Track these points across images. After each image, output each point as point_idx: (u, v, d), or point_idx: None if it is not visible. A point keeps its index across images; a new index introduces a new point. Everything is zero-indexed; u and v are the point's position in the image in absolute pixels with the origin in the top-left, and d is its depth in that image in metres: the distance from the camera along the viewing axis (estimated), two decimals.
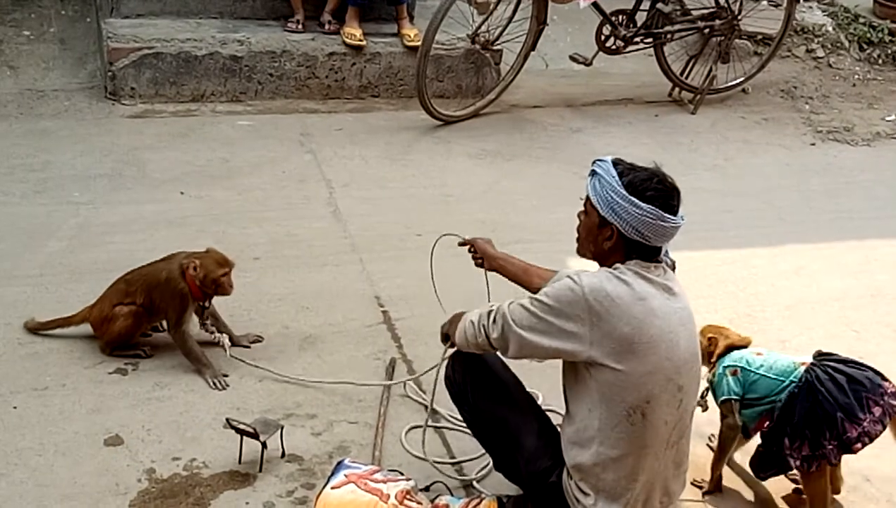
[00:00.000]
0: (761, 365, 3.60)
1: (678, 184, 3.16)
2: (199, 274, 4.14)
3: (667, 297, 3.13)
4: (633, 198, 3.07)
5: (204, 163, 6.08)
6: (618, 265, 3.14)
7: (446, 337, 3.57)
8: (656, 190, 3.10)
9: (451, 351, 3.57)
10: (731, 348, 3.71)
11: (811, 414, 3.43)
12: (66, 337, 4.30)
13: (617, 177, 3.11)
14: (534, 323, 3.13)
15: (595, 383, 3.11)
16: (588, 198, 3.20)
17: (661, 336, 3.08)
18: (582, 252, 3.30)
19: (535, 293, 3.23)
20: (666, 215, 3.08)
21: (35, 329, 4.32)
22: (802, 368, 3.53)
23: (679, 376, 3.13)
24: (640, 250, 3.14)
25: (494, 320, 3.23)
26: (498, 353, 3.32)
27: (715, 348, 3.72)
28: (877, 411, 3.40)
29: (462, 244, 3.91)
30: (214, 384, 4.12)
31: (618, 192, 3.09)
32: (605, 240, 3.17)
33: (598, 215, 3.15)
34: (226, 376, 4.17)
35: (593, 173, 3.19)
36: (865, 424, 3.39)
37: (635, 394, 3.08)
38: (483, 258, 3.84)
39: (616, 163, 3.17)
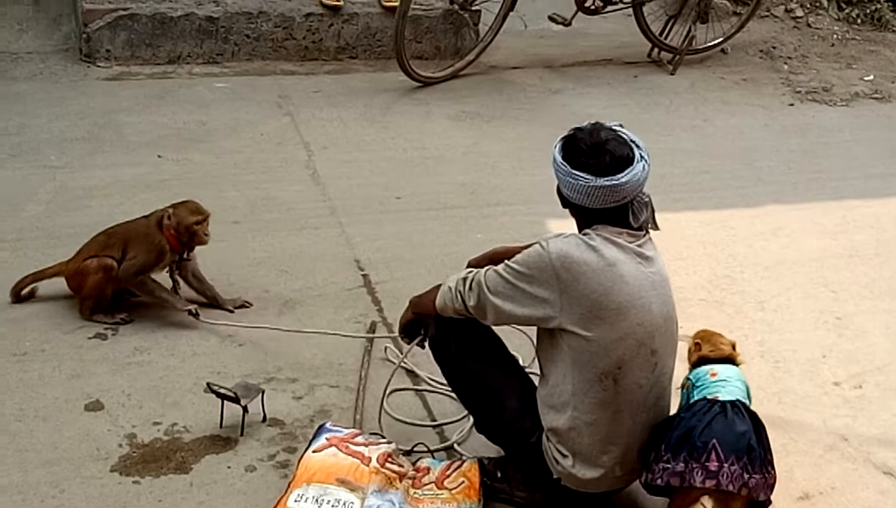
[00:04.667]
0: (702, 387, 3.31)
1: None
2: (172, 223, 4.17)
3: (638, 262, 3.13)
4: (566, 167, 3.11)
5: (181, 126, 6.04)
6: (587, 231, 3.16)
7: (403, 331, 3.62)
8: (585, 153, 3.09)
9: (411, 346, 3.67)
10: (702, 360, 3.44)
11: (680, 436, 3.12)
12: (45, 301, 4.28)
13: (560, 145, 3.15)
14: (507, 290, 3.15)
15: (568, 349, 3.13)
16: None
17: (631, 301, 3.08)
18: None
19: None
20: (600, 179, 3.06)
21: (15, 294, 4.28)
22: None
23: (652, 340, 3.15)
24: (603, 216, 3.14)
25: (471, 287, 3.24)
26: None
27: (693, 355, 3.49)
28: (712, 466, 3.02)
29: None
30: (189, 312, 4.17)
31: (556, 161, 3.14)
32: (570, 209, 3.22)
33: (558, 187, 3.22)
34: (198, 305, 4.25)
35: None
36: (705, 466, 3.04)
37: (606, 360, 3.10)
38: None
39: (578, 130, 3.17)
